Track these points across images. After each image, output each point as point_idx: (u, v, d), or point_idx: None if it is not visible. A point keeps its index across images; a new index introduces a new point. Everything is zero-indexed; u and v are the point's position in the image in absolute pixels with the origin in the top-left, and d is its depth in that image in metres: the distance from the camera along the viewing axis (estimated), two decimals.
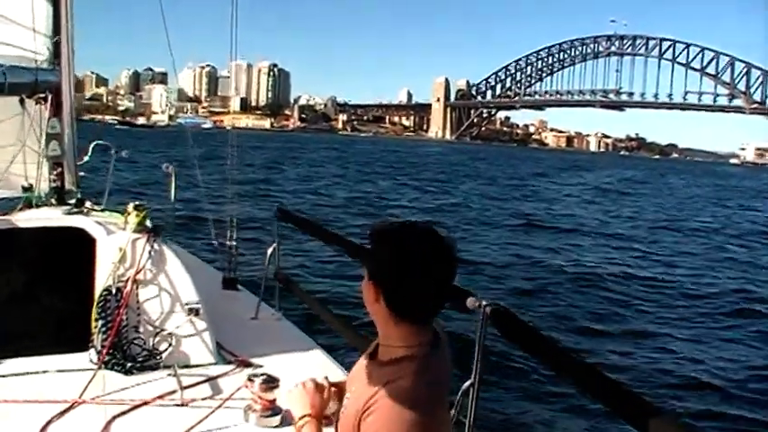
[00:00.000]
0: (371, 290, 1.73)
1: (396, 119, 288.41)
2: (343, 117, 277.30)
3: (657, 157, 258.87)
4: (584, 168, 77.11)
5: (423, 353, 1.71)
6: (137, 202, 3.52)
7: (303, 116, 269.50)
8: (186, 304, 3.32)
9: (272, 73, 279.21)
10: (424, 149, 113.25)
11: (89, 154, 4.54)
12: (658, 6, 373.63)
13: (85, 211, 3.99)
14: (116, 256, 3.31)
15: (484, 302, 2.16)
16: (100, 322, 3.23)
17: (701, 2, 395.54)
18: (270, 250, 4.33)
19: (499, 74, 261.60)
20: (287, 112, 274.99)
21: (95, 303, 3.25)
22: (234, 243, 4.76)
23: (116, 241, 3.37)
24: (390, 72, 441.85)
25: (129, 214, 3.50)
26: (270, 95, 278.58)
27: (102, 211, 4.06)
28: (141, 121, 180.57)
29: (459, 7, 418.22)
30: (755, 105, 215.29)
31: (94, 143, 4.54)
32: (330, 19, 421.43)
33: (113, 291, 3.26)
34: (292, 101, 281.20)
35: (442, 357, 1.76)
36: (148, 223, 3.47)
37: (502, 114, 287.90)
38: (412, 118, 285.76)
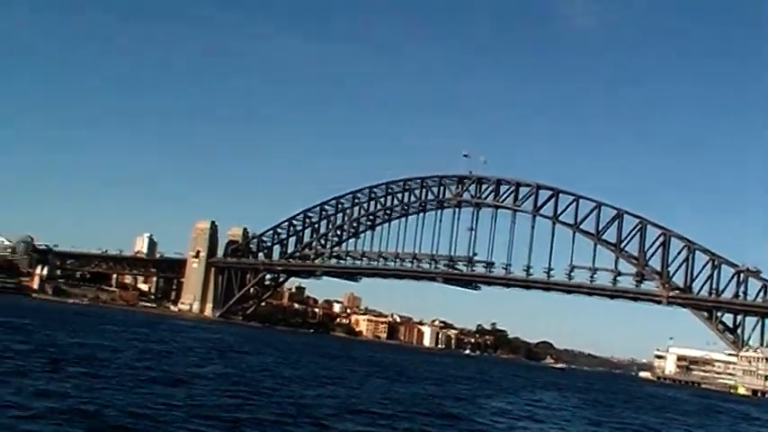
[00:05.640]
0: None
1: (128, 280, 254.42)
2: (42, 271, 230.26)
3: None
4: None
5: None
6: None
7: None
8: None
9: None
10: (186, 338, 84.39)
11: None
12: (535, 143, 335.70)
13: None
14: None
15: None
16: None
17: (594, 139, 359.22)
18: None
19: (294, 222, 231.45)
20: None
21: None
22: None
23: None
24: (125, 209, 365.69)
25: None
26: None
27: None
28: None
29: (241, 120, 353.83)
30: (676, 292, 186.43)
31: None
32: (34, 120, 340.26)
33: None
34: None
35: None
36: None
37: (293, 283, 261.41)
38: (154, 280, 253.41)
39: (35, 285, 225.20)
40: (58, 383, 28.31)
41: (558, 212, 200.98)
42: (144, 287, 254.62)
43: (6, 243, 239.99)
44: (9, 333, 54.95)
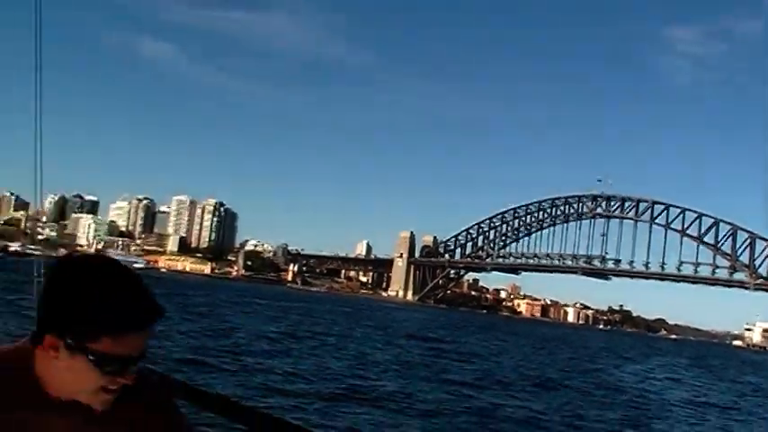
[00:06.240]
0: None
1: (352, 274, 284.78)
2: (293, 268, 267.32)
3: (652, 334, 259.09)
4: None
5: None
6: None
7: (249, 263, 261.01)
8: None
9: (217, 212, 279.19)
10: (397, 315, 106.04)
11: None
12: (649, 168, 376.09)
13: None
14: None
15: None
16: None
17: (696, 165, 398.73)
18: None
19: (470, 231, 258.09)
20: (230, 257, 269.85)
21: None
22: None
23: None
24: (349, 222, 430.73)
25: None
26: (213, 237, 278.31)
27: None
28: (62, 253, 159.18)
29: (433, 156, 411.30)
30: (761, 281, 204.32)
31: None
32: (287, 161, 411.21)
33: None
34: (238, 245, 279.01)
35: None
36: None
37: (470, 276, 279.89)
38: (370, 274, 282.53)
39: (289, 278, 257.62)
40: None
41: (669, 221, 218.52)
42: (363, 279, 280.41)
43: (269, 248, 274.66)
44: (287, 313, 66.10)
